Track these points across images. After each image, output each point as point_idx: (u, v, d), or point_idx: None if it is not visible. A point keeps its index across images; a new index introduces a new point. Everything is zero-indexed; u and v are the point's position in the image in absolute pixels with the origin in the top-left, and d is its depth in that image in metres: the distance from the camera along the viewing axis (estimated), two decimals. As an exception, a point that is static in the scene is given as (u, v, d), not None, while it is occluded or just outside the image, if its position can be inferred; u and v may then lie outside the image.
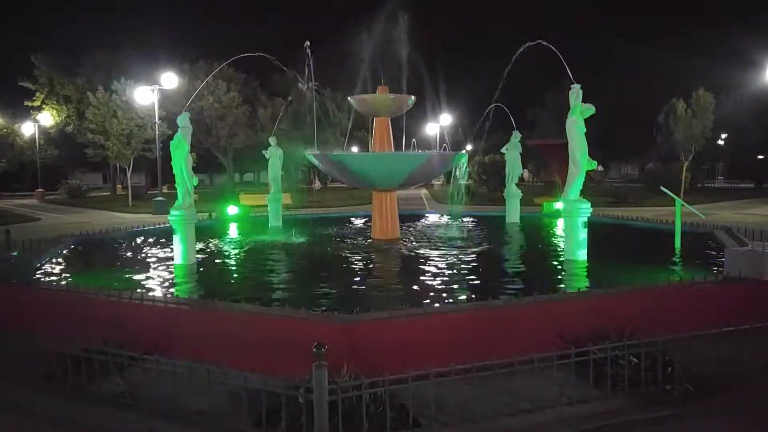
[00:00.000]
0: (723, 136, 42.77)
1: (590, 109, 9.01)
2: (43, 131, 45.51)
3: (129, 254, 10.98)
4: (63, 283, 7.97)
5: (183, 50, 42.52)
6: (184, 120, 9.45)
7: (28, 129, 45.48)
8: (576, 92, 9.04)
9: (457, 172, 15.09)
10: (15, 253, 7.98)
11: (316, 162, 12.67)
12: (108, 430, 4.37)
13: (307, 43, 13.28)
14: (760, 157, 46.14)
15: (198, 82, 17.59)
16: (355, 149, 36.76)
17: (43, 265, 9.24)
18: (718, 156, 48.12)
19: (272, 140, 15.69)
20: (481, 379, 4.52)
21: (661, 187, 11.61)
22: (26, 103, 44.91)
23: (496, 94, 14.45)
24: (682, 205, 10.68)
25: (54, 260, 9.85)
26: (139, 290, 7.00)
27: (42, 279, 8.17)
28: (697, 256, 9.70)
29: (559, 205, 10.57)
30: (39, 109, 45.31)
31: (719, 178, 57.67)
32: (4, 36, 46.60)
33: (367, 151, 15.65)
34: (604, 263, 8.97)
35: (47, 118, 45.30)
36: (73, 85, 43.69)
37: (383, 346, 5.16)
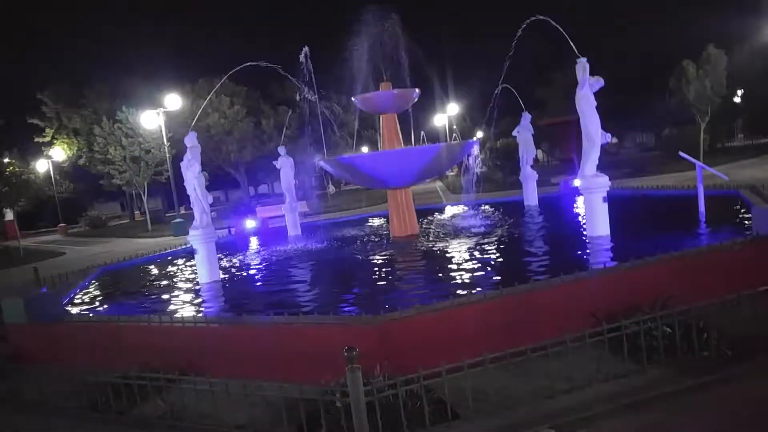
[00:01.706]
0: (739, 92, 41.70)
1: (599, 82, 8.88)
2: (56, 166, 46.34)
3: (154, 278, 11.14)
4: (93, 314, 8.13)
5: (182, 72, 43.12)
6: (191, 139, 9.52)
7: (42, 166, 46.36)
8: (583, 66, 8.88)
9: (470, 161, 15.01)
10: (44, 290, 8.14)
11: (328, 168, 12.69)
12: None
13: (306, 48, 13.29)
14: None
15: (201, 101, 17.81)
16: (365, 149, 36.81)
17: (73, 297, 9.42)
18: (735, 114, 46.90)
19: (282, 150, 15.75)
20: (516, 365, 4.50)
21: (680, 152, 11.38)
22: (37, 139, 45.74)
23: (502, 76, 14.30)
24: (703, 168, 10.45)
25: (82, 292, 10.04)
26: (168, 313, 7.10)
27: (73, 312, 8.32)
28: (723, 218, 9.51)
29: (576, 182, 10.42)
30: (50, 144, 46.16)
31: (739, 136, 56.33)
32: (10, 75, 47.52)
33: (377, 149, 15.65)
34: (628, 236, 8.85)
35: (59, 153, 46.12)
36: (79, 117, 44.43)
37: (414, 343, 5.17)
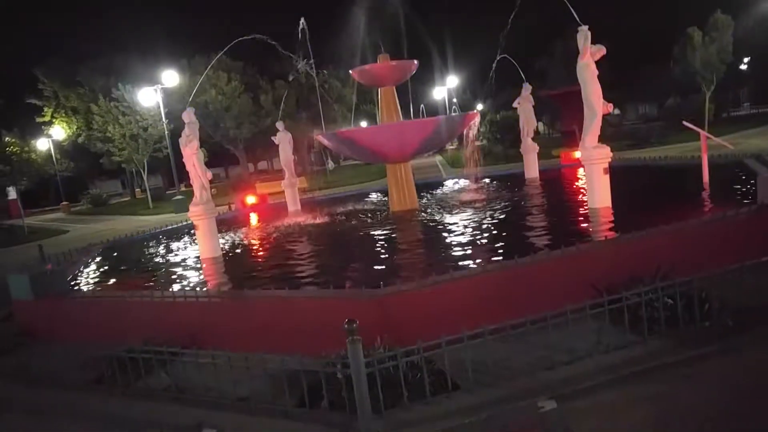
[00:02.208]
0: (745, 59, 40.96)
1: (601, 50, 8.71)
2: (57, 145, 46.17)
3: (156, 254, 11.17)
4: (98, 289, 8.17)
5: (179, 47, 42.50)
6: (189, 115, 9.43)
7: (42, 145, 46.18)
8: (584, 34, 8.67)
9: (470, 134, 14.87)
10: (49, 266, 8.17)
11: (326, 142, 12.58)
12: (160, 423, 4.51)
13: (302, 20, 13.07)
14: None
15: (198, 77, 17.59)
16: (363, 124, 36.54)
17: (77, 274, 9.46)
18: (741, 82, 46.16)
19: (279, 125, 15.60)
20: (516, 337, 4.51)
21: (684, 122, 11.23)
22: (37, 119, 45.50)
23: (502, 46, 14.05)
24: (708, 137, 10.32)
25: (87, 269, 10.08)
26: (170, 288, 7.12)
27: (78, 288, 8.37)
28: (727, 188, 9.44)
29: (577, 153, 10.33)
30: (50, 123, 45.92)
31: (745, 105, 55.60)
32: (9, 54, 46.97)
33: (376, 123, 15.51)
34: (630, 208, 8.80)
35: (59, 131, 45.91)
36: (75, 95, 44.06)
37: (414, 316, 5.18)
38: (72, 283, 8.61)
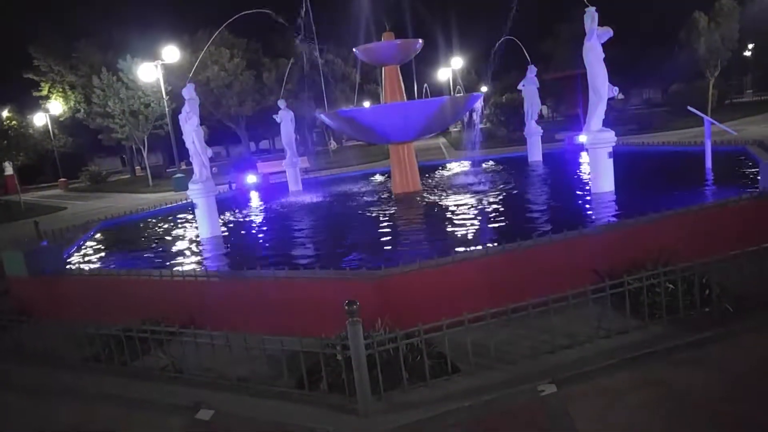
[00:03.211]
0: (750, 46, 40.59)
1: (608, 33, 8.57)
2: (54, 120, 45.83)
3: (155, 233, 11.13)
4: (95, 267, 8.13)
5: (181, 23, 41.83)
6: (189, 91, 9.31)
7: (39, 120, 45.83)
8: (591, 15, 8.52)
9: (474, 117, 14.75)
10: (45, 243, 8.12)
11: (328, 121, 12.46)
12: (157, 403, 4.51)
13: None
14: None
15: (200, 53, 17.34)
16: (366, 104, 36.24)
17: (73, 252, 9.43)
18: (745, 68, 45.85)
19: (281, 103, 15.45)
20: (517, 321, 4.50)
21: (689, 107, 11.13)
22: (34, 93, 45.07)
23: (507, 26, 13.87)
24: (712, 123, 10.23)
25: (84, 246, 10.04)
26: (168, 267, 7.09)
27: (74, 266, 8.33)
28: (730, 174, 9.39)
29: (582, 137, 10.23)
30: (47, 98, 45.52)
31: (747, 92, 55.25)
32: (4, 29, 46.24)
33: (379, 104, 15.35)
34: (633, 193, 8.75)
35: (57, 106, 45.51)
36: (71, 70, 43.56)
37: (416, 299, 5.16)
38: (68, 261, 8.58)
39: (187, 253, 8.73)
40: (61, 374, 5.29)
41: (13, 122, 36.77)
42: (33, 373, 5.43)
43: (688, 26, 30.45)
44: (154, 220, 12.64)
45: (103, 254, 9.40)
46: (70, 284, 7.09)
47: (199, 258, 8.32)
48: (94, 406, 4.65)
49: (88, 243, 10.40)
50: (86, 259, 9.09)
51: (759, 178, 7.06)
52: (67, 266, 8.01)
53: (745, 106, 36.19)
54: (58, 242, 9.40)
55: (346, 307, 3.88)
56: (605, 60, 8.73)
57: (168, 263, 7.93)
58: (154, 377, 4.94)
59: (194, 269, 6.69)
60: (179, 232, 10.84)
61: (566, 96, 38.88)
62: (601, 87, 8.79)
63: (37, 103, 45.76)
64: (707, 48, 29.21)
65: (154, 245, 9.82)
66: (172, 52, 31.26)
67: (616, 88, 8.97)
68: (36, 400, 4.92)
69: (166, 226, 11.84)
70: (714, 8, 29.21)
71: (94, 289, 6.78)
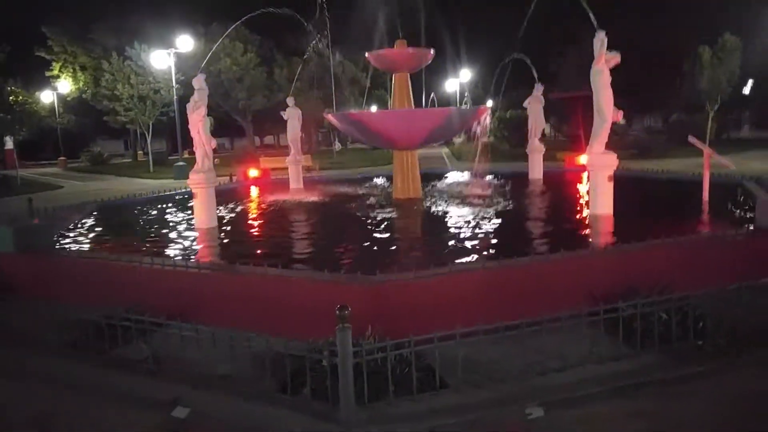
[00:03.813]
0: (750, 83, 40.92)
1: (615, 57, 8.58)
2: (61, 99, 45.70)
3: (150, 219, 11.05)
4: (85, 249, 8.04)
5: (197, 13, 41.78)
6: (200, 81, 9.30)
7: (47, 97, 45.70)
8: (601, 39, 8.55)
9: (478, 129, 14.73)
10: (36, 221, 8.01)
11: (335, 122, 12.43)
12: (133, 396, 4.39)
13: None
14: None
15: (214, 45, 17.38)
16: (374, 108, 36.26)
17: (65, 232, 9.33)
18: (744, 105, 46.20)
19: (290, 101, 15.39)
20: (509, 339, 4.43)
21: (690, 137, 11.14)
22: (46, 73, 45.01)
23: (517, 45, 13.92)
24: (711, 155, 10.24)
25: (76, 227, 9.95)
26: (160, 255, 7.01)
27: (64, 246, 8.24)
28: (726, 207, 9.38)
29: (583, 158, 10.22)
30: (57, 77, 45.43)
31: (745, 127, 55.61)
32: (20, 6, 46.11)
33: (386, 109, 15.34)
34: (631, 217, 8.72)
35: (65, 85, 45.41)
36: (85, 52, 43.51)
37: (408, 308, 5.08)
38: (58, 240, 8.47)
39: (180, 242, 8.65)
40: (38, 359, 5.11)
41: (20, 97, 36.61)
42: (8, 356, 5.22)
43: (692, 59, 30.75)
44: (150, 206, 12.55)
45: (95, 236, 9.31)
46: (56, 264, 6.98)
47: (192, 248, 8.25)
48: (69, 395, 4.50)
49: (82, 224, 10.31)
50: (77, 240, 9.00)
51: (756, 213, 7.06)
52: (56, 245, 7.90)
53: (742, 142, 36.37)
54: (50, 221, 9.30)
55: (338, 312, 3.81)
56: (611, 84, 8.75)
57: (159, 251, 7.85)
58: (134, 369, 4.79)
59: (185, 260, 6.61)
60: (175, 220, 10.76)
61: (570, 116, 38.96)
62: (605, 110, 8.78)
63: (44, 81, 45.62)
64: (709, 82, 29.51)
65: (148, 231, 9.73)
66: (186, 42, 31.25)
67: (621, 112, 8.97)
68: (9, 382, 4.75)
69: (162, 212, 11.75)
70: (718, 44, 29.51)
71: (81, 272, 6.67)
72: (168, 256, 7.45)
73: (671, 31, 38.11)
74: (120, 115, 37.46)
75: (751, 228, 6.77)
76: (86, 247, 8.40)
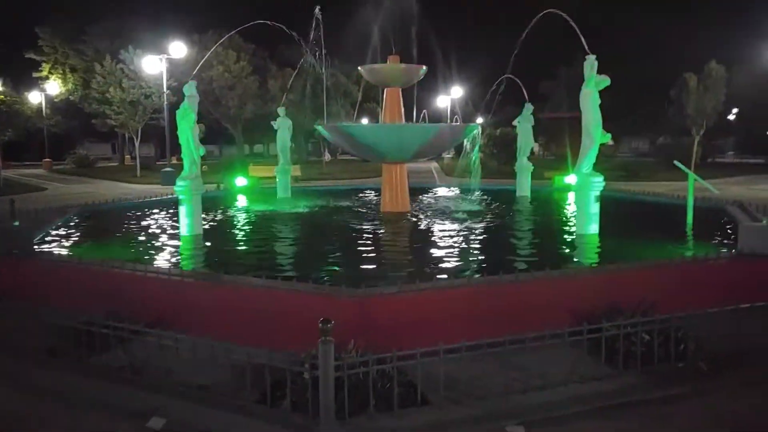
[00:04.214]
0: (734, 110, 41.88)
1: (605, 81, 8.77)
2: (49, 100, 45.26)
3: (134, 225, 10.92)
4: (65, 254, 7.91)
5: (191, 20, 41.87)
6: (190, 89, 9.30)
7: (35, 98, 45.25)
8: (591, 63, 8.84)
9: (468, 146, 14.85)
10: (16, 224, 7.86)
11: (325, 133, 12.48)
12: (109, 405, 4.28)
13: (318, 9, 12.95)
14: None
15: (207, 52, 17.41)
16: (365, 121, 36.38)
17: (46, 235, 9.18)
18: (729, 131, 47.22)
19: (281, 110, 15.44)
20: (492, 356, 4.41)
21: (675, 162, 11.33)
22: (34, 74, 44.61)
23: (509, 66, 14.13)
24: (695, 179, 10.42)
25: (58, 231, 9.80)
26: (142, 262, 6.92)
27: (44, 250, 8.09)
28: (709, 231, 9.50)
29: (571, 178, 10.34)
30: (46, 79, 45.05)
31: (729, 153, 56.77)
32: (10, 7, 45.78)
33: (378, 122, 15.41)
34: (616, 238, 8.79)
35: (54, 87, 45.01)
36: (77, 54, 43.25)
37: (392, 322, 5.05)
38: (39, 244, 8.33)
39: (164, 249, 8.55)
40: (13, 364, 4.97)
41: (7, 97, 36.22)
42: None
43: (679, 85, 31.45)
44: (135, 211, 12.41)
45: (76, 240, 9.18)
46: (36, 268, 6.85)
47: (175, 255, 8.16)
48: (44, 402, 4.39)
49: (64, 227, 10.16)
50: (58, 243, 8.86)
51: (738, 238, 7.16)
52: (36, 249, 7.76)
53: (726, 167, 37.03)
54: (31, 223, 9.15)
55: (320, 325, 3.77)
56: (600, 107, 8.90)
57: (142, 257, 7.75)
58: (111, 377, 4.68)
59: (168, 267, 6.53)
60: (159, 226, 10.65)
61: (558, 136, 39.46)
62: (594, 132, 8.93)
63: (33, 82, 45.21)
64: (695, 108, 30.22)
65: (131, 237, 9.62)
66: (179, 48, 31.22)
67: (609, 134, 9.10)
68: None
69: (146, 218, 11.63)
70: (704, 71, 30.28)
71: (61, 276, 6.56)
72: (150, 262, 7.35)
73: (660, 58, 39.06)
74: (109, 119, 37.18)
75: (734, 252, 6.87)
76: (67, 250, 8.27)
